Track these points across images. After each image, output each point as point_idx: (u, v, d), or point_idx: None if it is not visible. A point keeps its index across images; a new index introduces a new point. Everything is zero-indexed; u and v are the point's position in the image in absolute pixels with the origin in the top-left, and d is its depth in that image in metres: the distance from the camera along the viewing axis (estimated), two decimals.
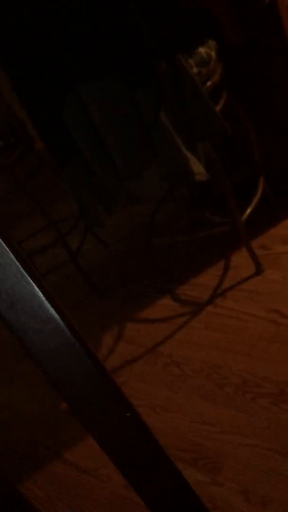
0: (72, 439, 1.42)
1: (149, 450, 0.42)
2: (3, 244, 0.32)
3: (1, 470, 1.42)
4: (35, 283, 0.34)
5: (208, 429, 1.26)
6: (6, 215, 2.55)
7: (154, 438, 0.41)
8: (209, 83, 1.46)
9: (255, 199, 1.66)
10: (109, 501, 1.22)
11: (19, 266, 0.33)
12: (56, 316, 0.34)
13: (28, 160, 1.75)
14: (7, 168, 1.64)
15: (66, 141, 1.45)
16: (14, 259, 0.33)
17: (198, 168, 1.44)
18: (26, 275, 0.33)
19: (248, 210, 1.63)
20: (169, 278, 1.84)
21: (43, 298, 0.34)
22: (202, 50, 1.45)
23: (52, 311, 0.34)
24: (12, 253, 0.33)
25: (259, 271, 1.64)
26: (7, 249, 0.33)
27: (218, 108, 1.46)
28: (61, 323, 0.35)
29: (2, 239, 0.33)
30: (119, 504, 1.21)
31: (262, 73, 1.68)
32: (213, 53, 1.47)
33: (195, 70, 1.42)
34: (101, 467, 1.31)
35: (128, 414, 0.37)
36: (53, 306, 0.34)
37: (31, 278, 0.34)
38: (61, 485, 1.33)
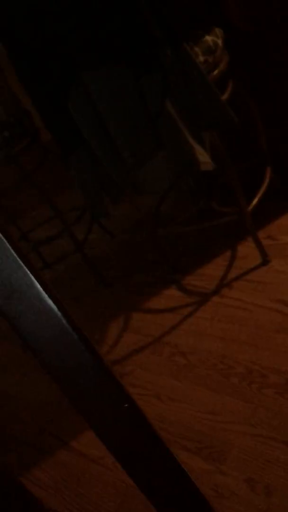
0: (78, 427, 1.44)
1: (147, 439, 0.42)
2: (0, 235, 0.33)
3: (8, 458, 1.44)
4: (32, 273, 0.34)
5: (213, 418, 1.26)
6: (13, 206, 2.55)
7: (152, 426, 0.42)
8: (215, 72, 1.44)
9: (262, 189, 1.65)
10: (115, 489, 1.24)
11: (16, 256, 0.33)
12: (53, 306, 0.35)
13: (34, 151, 1.74)
14: (13, 159, 1.64)
15: (72, 131, 1.45)
16: (11, 250, 0.33)
17: (204, 157, 1.43)
18: (23, 265, 0.34)
19: (255, 200, 1.62)
20: (175, 269, 1.84)
21: (40, 289, 0.34)
22: (208, 38, 1.44)
23: (49, 301, 0.35)
24: (9, 243, 0.33)
25: (265, 261, 1.63)
26: (4, 239, 0.33)
27: (224, 97, 1.44)
28: (58, 313, 0.35)
29: None
30: (124, 491, 1.22)
31: (270, 61, 1.66)
32: (219, 42, 1.46)
33: (201, 58, 1.40)
34: (107, 455, 1.32)
35: (125, 405, 0.38)
36: (50, 297, 0.35)
37: (28, 268, 0.34)
38: (68, 472, 1.35)
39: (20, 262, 0.33)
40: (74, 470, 1.34)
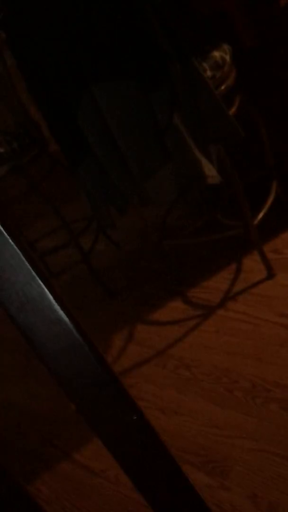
0: (81, 439, 1.43)
1: (155, 452, 0.42)
2: (14, 247, 0.33)
3: (10, 468, 1.43)
4: (45, 285, 0.34)
5: (217, 432, 1.26)
6: (20, 215, 2.57)
7: (160, 440, 0.42)
8: (223, 87, 1.46)
9: (268, 203, 1.65)
10: (117, 503, 1.23)
11: (30, 268, 0.34)
12: (65, 317, 0.35)
13: (42, 161, 1.76)
14: (21, 169, 1.65)
15: (80, 143, 1.46)
16: (25, 261, 0.33)
17: (210, 171, 1.44)
18: (37, 277, 0.34)
19: (261, 214, 1.62)
20: (181, 281, 1.84)
21: (53, 300, 0.35)
22: (216, 53, 1.45)
23: (61, 312, 0.35)
24: (23, 255, 0.33)
25: (270, 275, 1.63)
26: (18, 251, 0.33)
27: (231, 111, 1.46)
28: (70, 324, 0.35)
29: (13, 241, 0.33)
30: (126, 505, 1.21)
31: (276, 76, 1.67)
32: (227, 57, 1.47)
33: (209, 73, 1.42)
34: (110, 468, 1.31)
35: (134, 417, 0.38)
36: (62, 308, 0.35)
37: (41, 280, 0.34)
38: (69, 485, 1.34)
39: (34, 273, 0.34)
40: (76, 482, 1.33)
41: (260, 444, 1.18)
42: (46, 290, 0.34)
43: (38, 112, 1.51)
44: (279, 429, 1.18)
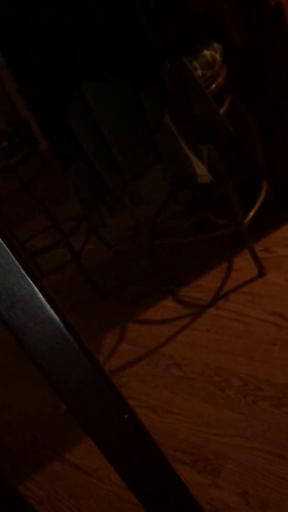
0: (72, 439, 1.43)
1: (146, 451, 0.42)
2: (4, 245, 0.33)
3: (1, 469, 1.42)
4: (35, 283, 0.34)
5: (208, 431, 1.26)
6: (10, 215, 2.56)
7: (152, 439, 0.42)
8: (213, 86, 1.46)
9: (259, 202, 1.66)
10: (109, 502, 1.23)
11: (19, 267, 0.34)
12: (55, 316, 0.35)
13: (33, 161, 1.75)
14: (11, 168, 1.65)
15: (70, 142, 1.45)
16: (15, 260, 0.33)
17: (201, 170, 1.44)
18: (26, 275, 0.34)
19: (251, 213, 1.63)
20: (172, 280, 1.84)
21: (43, 299, 0.35)
22: (207, 52, 1.45)
23: (51, 311, 0.35)
24: (13, 254, 0.33)
25: (261, 273, 1.64)
26: (8, 250, 0.33)
27: (222, 110, 1.46)
28: (60, 323, 0.35)
29: (3, 240, 0.33)
30: (118, 505, 1.21)
31: (266, 75, 1.68)
32: (218, 56, 1.48)
33: (199, 72, 1.42)
34: (102, 467, 1.31)
35: (126, 416, 0.38)
36: (52, 307, 0.35)
37: (31, 278, 0.34)
38: (61, 485, 1.33)
39: (23, 272, 0.34)
40: (68, 482, 1.33)
41: (252, 442, 1.18)
42: (36, 289, 0.34)
43: (29, 111, 1.51)
44: (270, 427, 1.19)
